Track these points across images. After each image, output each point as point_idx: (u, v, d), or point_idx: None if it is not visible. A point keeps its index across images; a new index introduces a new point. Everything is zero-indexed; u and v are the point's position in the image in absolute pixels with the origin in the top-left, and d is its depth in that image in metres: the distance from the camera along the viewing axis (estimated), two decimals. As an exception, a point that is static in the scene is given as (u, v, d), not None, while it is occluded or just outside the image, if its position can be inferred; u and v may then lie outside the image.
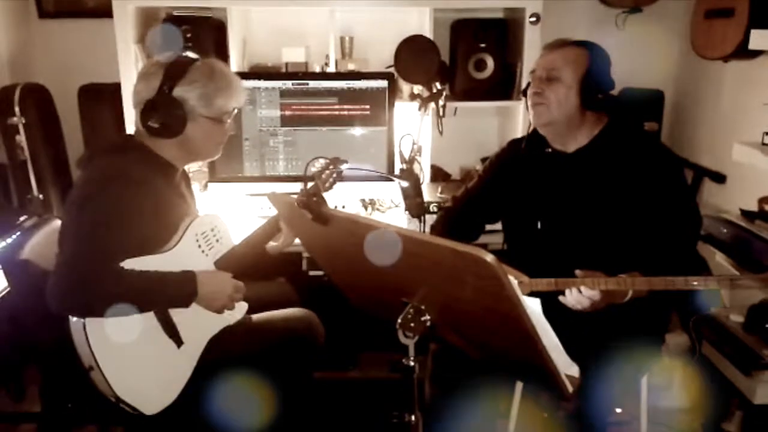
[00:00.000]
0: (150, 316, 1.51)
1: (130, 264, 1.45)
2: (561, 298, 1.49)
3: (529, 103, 1.69)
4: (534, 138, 1.78)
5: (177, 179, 1.68)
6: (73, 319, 1.44)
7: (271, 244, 1.82)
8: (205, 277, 1.55)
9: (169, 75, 1.53)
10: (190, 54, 1.61)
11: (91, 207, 1.44)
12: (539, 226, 1.73)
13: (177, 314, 1.55)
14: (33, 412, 2.30)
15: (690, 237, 1.69)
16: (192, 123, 1.57)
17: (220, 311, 1.61)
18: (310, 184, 1.72)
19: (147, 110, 1.53)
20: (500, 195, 1.85)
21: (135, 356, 1.49)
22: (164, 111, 1.53)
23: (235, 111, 1.66)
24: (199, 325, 1.61)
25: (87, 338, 1.42)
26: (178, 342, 1.56)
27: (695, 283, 1.43)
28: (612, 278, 1.47)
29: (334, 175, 1.83)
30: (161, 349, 1.54)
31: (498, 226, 1.93)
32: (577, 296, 1.47)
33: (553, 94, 1.64)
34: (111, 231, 1.42)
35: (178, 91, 1.54)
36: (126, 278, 1.43)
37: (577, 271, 1.48)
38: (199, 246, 1.63)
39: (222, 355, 1.63)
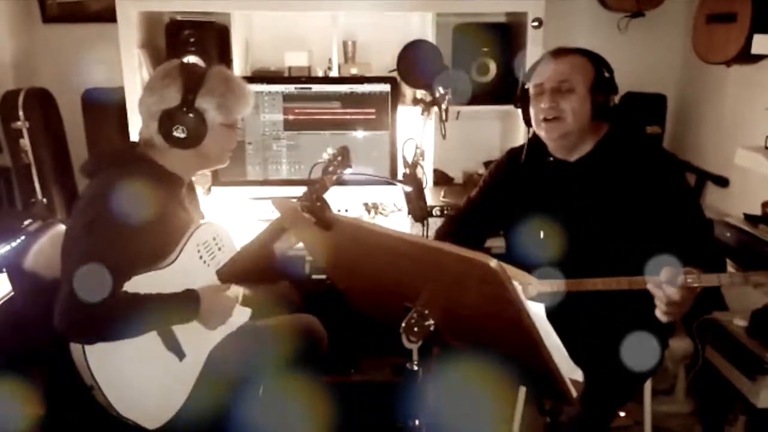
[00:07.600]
0: (151, 332, 1.50)
1: (130, 281, 1.44)
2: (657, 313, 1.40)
3: (540, 117, 1.64)
4: (534, 147, 1.75)
5: (182, 191, 1.66)
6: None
7: (277, 244, 1.81)
8: (208, 298, 1.55)
9: (189, 85, 1.52)
10: (194, 60, 1.61)
11: (93, 229, 1.41)
12: (542, 235, 1.71)
13: (179, 327, 1.54)
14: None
15: (705, 240, 1.64)
16: (210, 132, 1.56)
17: (212, 329, 1.61)
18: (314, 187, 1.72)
19: (169, 121, 1.51)
20: (502, 205, 1.82)
21: (136, 373, 1.48)
22: (188, 121, 1.52)
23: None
24: (201, 335, 1.60)
25: (86, 360, 1.40)
26: (180, 355, 1.55)
27: (720, 278, 1.34)
28: (624, 278, 1.46)
29: (342, 167, 1.81)
30: (162, 364, 1.52)
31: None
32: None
33: (569, 105, 1.59)
34: (113, 253, 1.39)
35: (199, 102, 1.53)
36: (130, 304, 1.42)
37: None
38: (201, 257, 1.62)
39: (224, 362, 1.62)
